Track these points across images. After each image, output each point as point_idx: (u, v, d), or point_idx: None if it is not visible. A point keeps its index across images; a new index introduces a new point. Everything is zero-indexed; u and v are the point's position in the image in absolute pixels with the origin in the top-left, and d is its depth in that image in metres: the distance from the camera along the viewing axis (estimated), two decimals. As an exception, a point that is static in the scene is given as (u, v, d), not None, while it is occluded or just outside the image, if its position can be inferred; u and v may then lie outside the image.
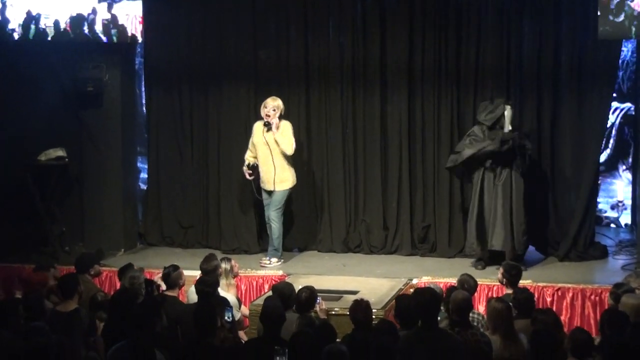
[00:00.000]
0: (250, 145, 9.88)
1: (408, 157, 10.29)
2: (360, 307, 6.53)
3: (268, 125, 9.67)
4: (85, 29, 10.16)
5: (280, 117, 9.72)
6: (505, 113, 9.38)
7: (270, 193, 9.82)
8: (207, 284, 7.42)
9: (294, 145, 9.70)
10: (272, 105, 9.68)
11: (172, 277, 7.76)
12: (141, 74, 11.06)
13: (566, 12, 9.80)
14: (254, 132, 9.86)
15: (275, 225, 9.77)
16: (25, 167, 10.22)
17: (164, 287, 7.80)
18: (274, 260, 9.77)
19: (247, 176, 9.87)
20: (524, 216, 9.36)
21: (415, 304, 6.26)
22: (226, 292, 7.93)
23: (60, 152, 10.35)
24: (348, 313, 6.64)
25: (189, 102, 10.72)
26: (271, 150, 9.68)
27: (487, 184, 9.38)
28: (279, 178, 9.71)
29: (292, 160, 9.82)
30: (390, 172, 10.37)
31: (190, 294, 7.93)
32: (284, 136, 9.67)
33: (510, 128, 9.37)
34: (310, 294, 7.15)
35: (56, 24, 10.12)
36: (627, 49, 10.91)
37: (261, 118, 9.81)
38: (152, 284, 7.57)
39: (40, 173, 10.27)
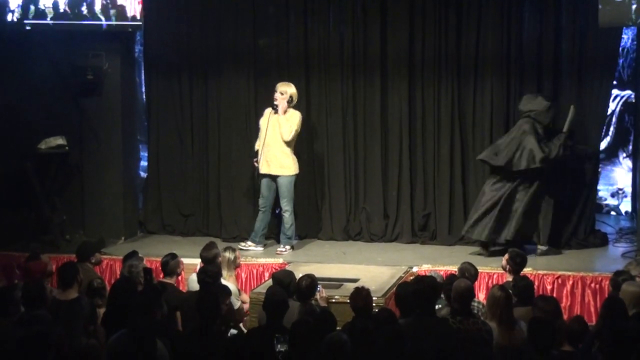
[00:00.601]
0: (259, 139, 9.87)
1: (408, 146, 10.29)
2: (361, 295, 6.55)
3: (275, 108, 9.67)
4: (84, 10, 10.10)
5: (291, 104, 9.70)
6: (569, 114, 9.36)
7: (271, 179, 9.80)
8: (209, 275, 7.42)
9: (292, 133, 9.68)
10: (281, 89, 9.69)
11: (170, 265, 7.79)
12: (141, 62, 11.05)
13: (566, 0, 9.77)
14: (263, 115, 9.86)
15: (286, 215, 9.80)
16: (26, 156, 10.22)
17: (161, 275, 7.80)
18: (288, 247, 9.83)
19: (255, 163, 9.86)
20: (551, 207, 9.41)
21: (413, 292, 6.29)
22: (227, 281, 7.92)
23: (60, 141, 10.34)
24: (348, 301, 6.65)
25: (188, 91, 10.71)
26: (275, 134, 9.67)
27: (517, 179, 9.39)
28: (279, 163, 9.71)
29: (294, 149, 9.81)
30: (390, 160, 10.37)
31: (191, 282, 7.94)
32: (288, 121, 9.66)
33: (566, 129, 9.38)
34: (311, 282, 7.16)
35: (55, 4, 10.07)
36: (627, 36, 10.90)
37: (266, 106, 9.81)
38: (151, 272, 7.57)
39: (40, 161, 10.27)
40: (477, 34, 10.03)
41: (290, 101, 9.71)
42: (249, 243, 9.94)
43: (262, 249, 9.93)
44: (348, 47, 10.34)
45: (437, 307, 6.59)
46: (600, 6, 8.99)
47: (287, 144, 9.70)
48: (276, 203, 9.97)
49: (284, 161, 9.73)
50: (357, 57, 10.34)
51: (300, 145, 10.16)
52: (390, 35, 10.24)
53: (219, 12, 10.53)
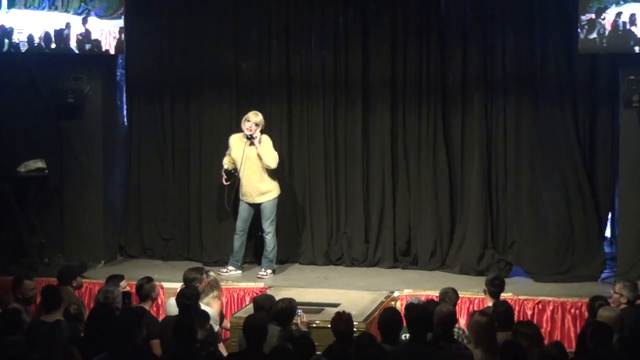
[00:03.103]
0: (227, 156, 9.87)
1: (391, 170, 10.30)
2: (342, 320, 6.52)
3: (251, 139, 9.67)
4: (58, 45, 10.11)
5: (261, 132, 9.73)
6: None
7: (252, 206, 9.80)
8: (188, 297, 7.36)
9: (277, 159, 9.71)
10: (255, 120, 9.70)
11: (145, 288, 7.65)
12: (122, 86, 11.01)
13: (549, 25, 9.83)
14: (231, 146, 9.86)
15: (269, 237, 9.79)
16: (5, 179, 10.16)
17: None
18: (269, 271, 9.80)
19: (224, 181, 9.86)
20: None
21: (407, 318, 6.27)
22: (209, 305, 7.86)
23: (40, 164, 10.30)
24: (329, 326, 6.62)
25: (170, 114, 10.70)
26: (252, 164, 9.67)
27: None
28: (259, 191, 9.72)
29: (275, 172, 9.81)
30: (371, 185, 10.38)
31: (169, 307, 7.87)
32: (267, 150, 9.67)
33: None
34: (289, 304, 7.13)
35: (30, 38, 10.07)
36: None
37: (240, 130, 9.81)
38: (130, 296, 7.50)
39: (19, 184, 10.22)
40: (459, 58, 10.07)
41: (261, 130, 9.73)
42: (230, 268, 9.90)
43: (241, 272, 9.89)
44: (330, 71, 10.37)
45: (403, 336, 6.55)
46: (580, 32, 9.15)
47: (270, 170, 9.70)
48: (256, 226, 9.95)
49: (265, 188, 9.74)
50: (338, 82, 10.37)
51: (281, 169, 10.16)
52: (372, 60, 10.27)
53: (201, 36, 10.55)
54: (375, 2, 10.25)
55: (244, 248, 9.97)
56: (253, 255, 10.28)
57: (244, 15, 10.49)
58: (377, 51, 10.25)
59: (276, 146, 9.91)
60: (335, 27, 10.36)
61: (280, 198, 9.94)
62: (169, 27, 10.62)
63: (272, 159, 9.67)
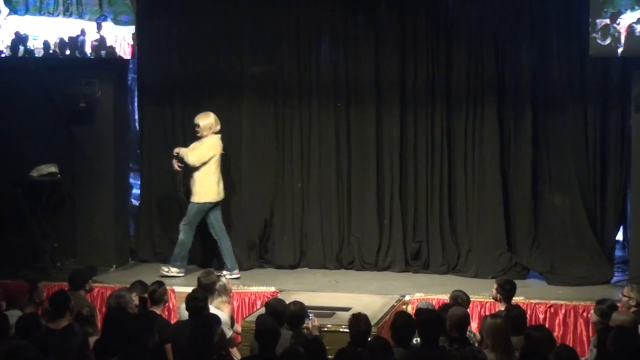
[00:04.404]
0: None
1: (400, 174, 10.31)
2: (361, 321, 6.54)
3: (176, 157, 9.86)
4: (73, 51, 10.17)
5: (204, 133, 9.84)
6: None
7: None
8: (199, 300, 7.38)
9: (197, 157, 9.74)
10: (197, 121, 9.86)
11: (158, 292, 7.67)
12: (134, 90, 11.06)
13: (558, 29, 9.84)
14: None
15: (180, 236, 9.85)
16: (17, 183, 10.18)
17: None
18: (174, 270, 9.79)
19: (177, 167, 9.92)
20: None
21: (418, 323, 6.26)
22: (220, 309, 7.88)
23: (52, 168, 10.32)
24: (341, 330, 6.63)
25: (181, 118, 10.72)
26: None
27: None
28: (190, 190, 9.84)
29: (210, 178, 9.81)
30: (383, 188, 10.38)
31: (183, 311, 7.88)
32: (191, 150, 9.80)
33: None
34: (300, 307, 7.14)
35: (46, 44, 10.12)
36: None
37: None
38: (146, 301, 7.52)
39: (32, 189, 10.23)
40: (469, 62, 10.08)
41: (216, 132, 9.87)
42: (173, 270, 9.85)
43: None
44: (341, 75, 10.38)
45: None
46: (591, 35, 9.14)
47: (202, 170, 9.76)
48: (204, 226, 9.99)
49: (194, 188, 9.83)
50: (349, 86, 10.38)
51: (293, 173, 10.17)
52: (383, 64, 10.28)
53: (212, 40, 10.57)
54: (385, 7, 10.27)
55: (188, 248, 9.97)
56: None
57: (255, 20, 10.50)
58: (388, 55, 10.26)
59: (287, 150, 10.02)
60: (346, 32, 10.38)
61: (290, 202, 10.01)
62: (179, 32, 10.64)
63: (191, 156, 9.73)
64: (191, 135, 10.65)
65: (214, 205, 9.91)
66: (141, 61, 10.70)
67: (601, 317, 7.11)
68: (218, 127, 9.92)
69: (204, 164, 9.80)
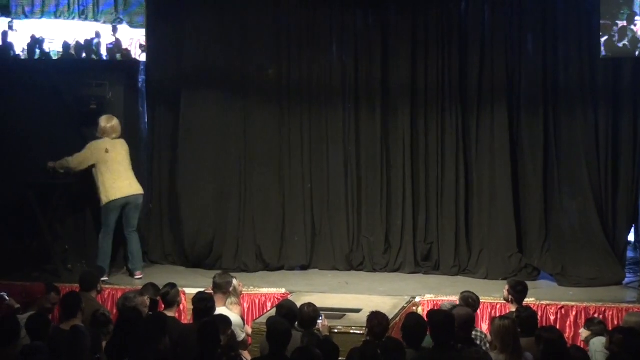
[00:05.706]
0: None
1: (411, 175, 10.31)
2: (378, 317, 6.59)
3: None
4: (89, 54, 10.23)
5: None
6: None
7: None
8: (207, 300, 7.38)
9: (74, 159, 9.80)
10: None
11: (171, 294, 7.68)
12: (144, 92, 11.08)
13: (569, 31, 9.83)
14: None
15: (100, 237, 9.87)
16: (29, 185, 10.22)
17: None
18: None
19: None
20: None
21: (429, 325, 6.26)
22: (230, 311, 7.88)
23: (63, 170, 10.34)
24: (351, 331, 6.63)
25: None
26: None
27: None
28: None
29: (102, 181, 9.82)
30: (392, 190, 10.38)
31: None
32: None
33: None
34: (313, 309, 7.16)
35: (65, 46, 10.17)
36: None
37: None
38: (157, 303, 7.52)
39: (43, 191, 10.26)
40: (480, 63, 10.07)
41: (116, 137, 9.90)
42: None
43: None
44: (350, 76, 10.39)
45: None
46: (604, 52, 9.16)
47: (96, 174, 9.81)
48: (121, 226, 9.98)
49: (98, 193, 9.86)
50: (359, 87, 10.39)
51: (302, 174, 10.17)
52: (393, 65, 10.29)
53: (221, 43, 10.58)
54: (395, 8, 10.27)
55: (111, 250, 9.95)
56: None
57: (264, 22, 10.51)
58: (398, 56, 10.26)
59: (296, 151, 10.10)
60: (356, 33, 10.38)
61: (301, 203, 10.01)
62: (190, 35, 10.65)
63: (72, 160, 9.79)
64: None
65: (123, 205, 9.88)
66: (151, 63, 10.73)
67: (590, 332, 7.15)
68: (114, 135, 9.87)
69: (92, 166, 9.83)
